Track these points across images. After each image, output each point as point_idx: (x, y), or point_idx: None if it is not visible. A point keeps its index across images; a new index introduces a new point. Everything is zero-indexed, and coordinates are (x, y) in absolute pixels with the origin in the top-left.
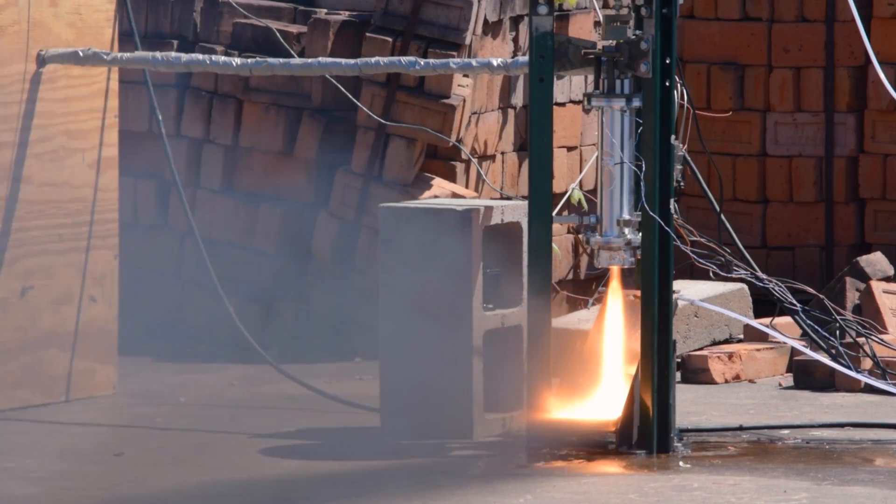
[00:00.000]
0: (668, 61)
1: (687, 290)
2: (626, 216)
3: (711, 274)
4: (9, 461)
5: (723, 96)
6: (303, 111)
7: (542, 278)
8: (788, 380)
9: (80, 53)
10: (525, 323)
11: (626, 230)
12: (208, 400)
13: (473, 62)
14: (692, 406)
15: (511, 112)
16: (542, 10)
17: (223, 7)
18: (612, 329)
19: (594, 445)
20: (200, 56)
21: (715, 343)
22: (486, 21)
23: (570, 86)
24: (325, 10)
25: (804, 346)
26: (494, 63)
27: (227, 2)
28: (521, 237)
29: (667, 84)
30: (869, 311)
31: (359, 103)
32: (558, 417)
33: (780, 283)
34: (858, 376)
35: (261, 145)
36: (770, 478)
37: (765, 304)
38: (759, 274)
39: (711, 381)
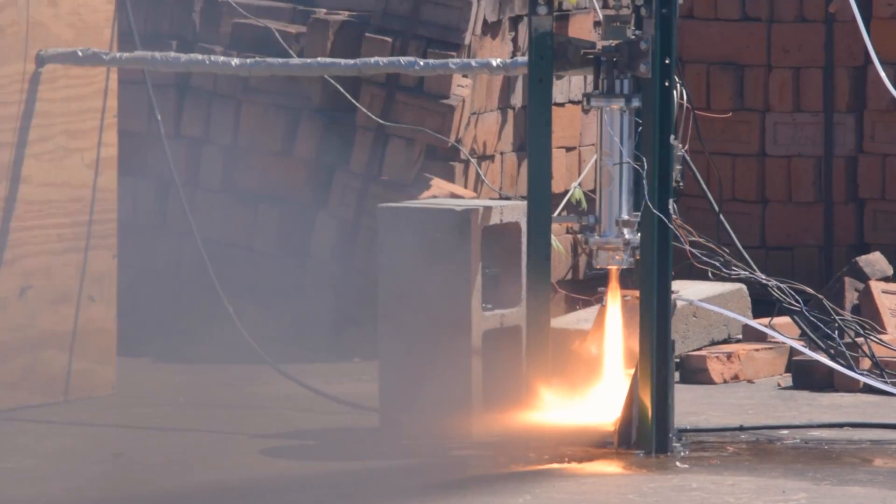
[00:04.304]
0: (667, 61)
1: (686, 291)
2: (625, 216)
3: (710, 274)
4: (9, 461)
5: (722, 96)
6: (302, 111)
7: (541, 278)
8: (787, 380)
9: (80, 53)
10: (524, 323)
11: (625, 230)
12: (208, 400)
13: (473, 62)
14: (691, 406)
15: (510, 112)
16: (542, 10)
17: (222, 7)
18: (610, 329)
19: (593, 445)
20: (200, 56)
21: (714, 343)
22: (485, 21)
23: (570, 86)
24: (324, 11)
25: (803, 346)
26: (494, 63)
27: (226, 2)
28: (520, 237)
29: (666, 84)
30: (868, 311)
31: (357, 104)
32: (558, 417)
33: (779, 284)
34: (857, 376)
35: (260, 145)
36: (769, 478)
37: (764, 305)
38: (758, 274)
39: (710, 382)
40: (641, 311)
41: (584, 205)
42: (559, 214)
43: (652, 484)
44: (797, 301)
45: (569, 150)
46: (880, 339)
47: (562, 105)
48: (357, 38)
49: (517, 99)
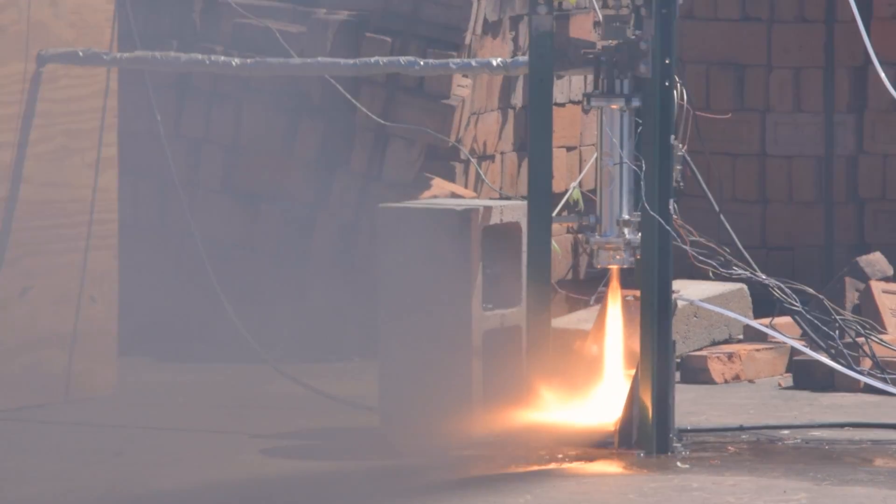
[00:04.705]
0: (667, 61)
1: (686, 290)
2: (626, 216)
3: (711, 274)
4: (9, 461)
5: (723, 96)
6: (302, 111)
7: (541, 278)
8: (788, 380)
9: (80, 53)
10: (524, 323)
11: (626, 230)
12: (208, 400)
13: (473, 62)
14: (692, 406)
15: (510, 112)
16: (542, 10)
17: (222, 7)
18: (611, 329)
19: (594, 445)
20: (200, 56)
21: (714, 343)
22: (485, 21)
23: (570, 86)
24: (324, 11)
25: (804, 346)
26: (494, 63)
27: (226, 2)
28: (520, 237)
29: (666, 84)
30: (868, 311)
31: (358, 104)
32: (558, 417)
33: (779, 284)
34: (858, 376)
35: (260, 145)
36: (770, 478)
37: (764, 305)
38: (759, 274)
39: (711, 382)
40: (642, 311)
41: (582, 205)
42: (559, 214)
43: (653, 484)
44: (797, 301)
45: (569, 149)
46: (881, 339)
47: (562, 105)
48: (357, 38)
49: (517, 99)
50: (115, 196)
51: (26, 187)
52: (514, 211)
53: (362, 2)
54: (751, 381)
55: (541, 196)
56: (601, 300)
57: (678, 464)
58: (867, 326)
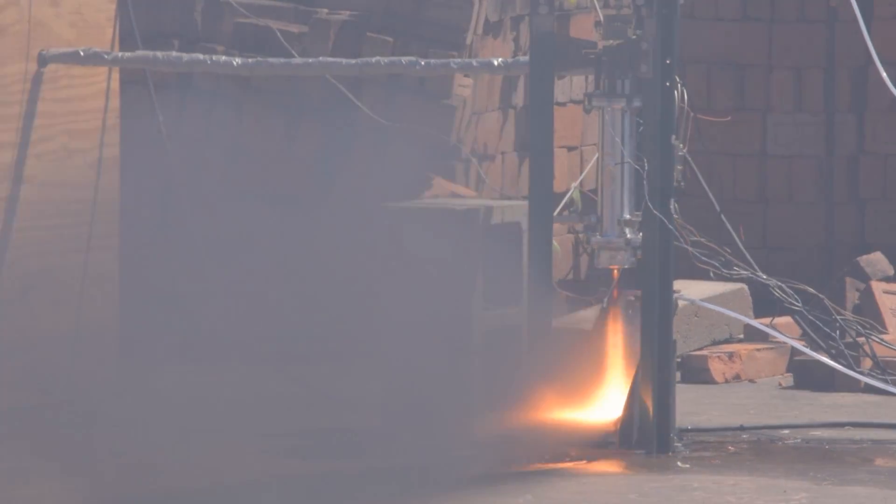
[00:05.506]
0: (668, 61)
1: (687, 290)
2: (627, 216)
3: (712, 273)
4: (9, 461)
5: (723, 96)
6: (303, 111)
7: (542, 278)
8: (788, 380)
9: (81, 53)
10: (525, 323)
11: (627, 230)
12: (208, 400)
13: (474, 62)
14: (692, 406)
15: (511, 112)
16: (543, 10)
17: (224, 7)
18: (612, 329)
19: (594, 445)
20: (201, 56)
21: (715, 343)
22: (486, 21)
23: (571, 86)
24: (325, 10)
25: (804, 345)
26: (495, 63)
27: (227, 1)
28: (521, 237)
29: (667, 84)
30: (869, 311)
31: (359, 104)
32: (558, 417)
33: (780, 283)
34: (858, 376)
35: (260, 145)
36: (770, 478)
37: (765, 304)
38: (760, 274)
39: (711, 381)
40: (643, 311)
41: (580, 205)
42: (560, 214)
43: (653, 484)
44: (798, 301)
45: (570, 149)
46: (881, 339)
47: (563, 105)
48: (358, 38)
49: (518, 99)
50: (117, 196)
51: (27, 187)
52: (515, 211)
53: (364, 2)
54: (751, 381)
55: (542, 196)
56: (602, 300)
57: (679, 463)
58: (868, 326)
